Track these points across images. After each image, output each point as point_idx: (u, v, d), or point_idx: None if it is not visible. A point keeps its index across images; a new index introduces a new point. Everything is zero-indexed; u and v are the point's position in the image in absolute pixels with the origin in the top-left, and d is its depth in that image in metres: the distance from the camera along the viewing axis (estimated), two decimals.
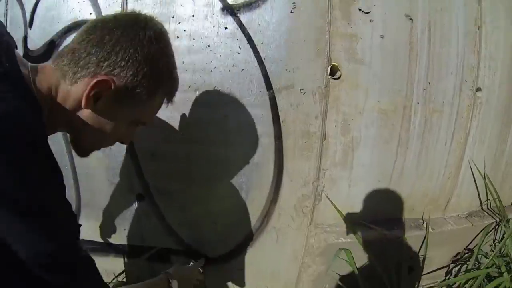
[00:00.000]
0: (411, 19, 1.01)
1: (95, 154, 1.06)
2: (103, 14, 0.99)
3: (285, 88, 0.95)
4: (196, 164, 1.00)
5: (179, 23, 0.94)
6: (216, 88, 0.95)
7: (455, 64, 1.08)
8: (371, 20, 0.97)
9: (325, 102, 0.97)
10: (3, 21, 1.20)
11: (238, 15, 0.93)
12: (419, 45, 1.01)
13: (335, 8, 0.94)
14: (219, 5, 0.94)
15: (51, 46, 1.05)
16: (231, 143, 0.97)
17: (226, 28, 0.93)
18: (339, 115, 0.99)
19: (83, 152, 0.70)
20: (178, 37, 0.93)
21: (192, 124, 0.97)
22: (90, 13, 0.99)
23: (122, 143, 0.72)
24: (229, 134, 0.97)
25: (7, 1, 1.19)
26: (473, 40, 1.07)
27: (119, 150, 1.03)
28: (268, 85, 0.94)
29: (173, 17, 0.94)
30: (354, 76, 0.97)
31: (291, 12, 0.93)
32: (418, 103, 1.07)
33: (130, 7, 0.96)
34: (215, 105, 0.96)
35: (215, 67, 0.93)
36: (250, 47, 0.94)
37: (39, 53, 1.09)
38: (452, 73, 1.07)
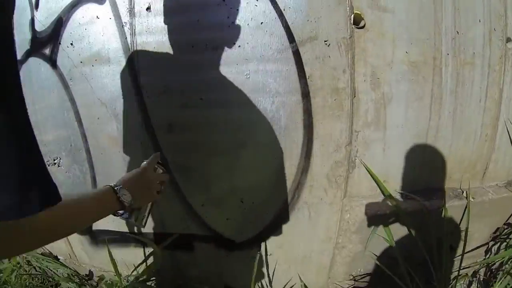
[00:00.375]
0: None
1: (108, 133, 0.96)
2: None
3: (308, 40, 0.84)
4: (217, 132, 0.91)
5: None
6: (234, 44, 0.86)
7: (481, 11, 0.96)
8: None
9: (352, 54, 0.86)
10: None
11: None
12: None
13: None
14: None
15: (59, 24, 0.96)
16: (253, 104, 0.87)
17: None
18: (368, 68, 0.88)
19: None
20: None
21: (212, 87, 0.89)
22: None
23: None
24: (251, 94, 0.88)
25: None
26: None
27: (133, 124, 0.91)
28: (290, 38, 0.85)
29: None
30: (378, 25, 0.88)
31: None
32: (448, 54, 0.96)
33: None
34: (236, 63, 0.87)
35: (232, 22, 0.84)
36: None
37: (47, 34, 1.01)
38: (480, 21, 0.96)
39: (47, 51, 1.04)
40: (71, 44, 0.97)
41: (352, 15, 0.86)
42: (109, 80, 0.93)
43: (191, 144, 0.91)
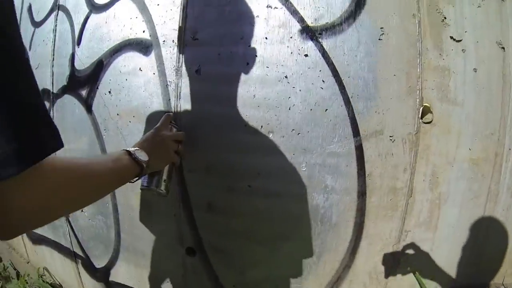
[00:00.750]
0: (503, 48, 0.72)
1: (139, 194, 0.77)
2: (157, 31, 0.67)
3: (374, 134, 0.67)
4: (260, 220, 0.74)
5: (249, 46, 0.61)
6: (294, 131, 0.66)
7: None
8: (463, 50, 0.69)
9: (415, 151, 0.70)
10: (51, 37, 0.92)
11: (320, 40, 0.67)
12: None
13: (426, 35, 0.68)
14: (296, 26, 0.67)
15: (99, 67, 0.77)
16: (306, 199, 0.70)
17: (306, 55, 0.67)
18: (429, 167, 0.72)
19: None
20: (248, 64, 0.60)
21: (262, 174, 0.71)
22: (143, 31, 0.70)
23: None
24: (306, 187, 0.70)
25: (57, 15, 0.91)
26: None
27: (170, 197, 0.71)
28: (355, 130, 0.68)
29: (241, 38, 0.61)
30: (446, 119, 0.70)
31: (379, 39, 0.66)
32: (510, 149, 0.76)
33: (190, 25, 0.64)
34: (293, 152, 0.69)
35: (293, 105, 0.67)
36: (336, 81, 0.67)
37: (86, 74, 0.83)
38: None
39: (83, 92, 0.86)
40: (109, 92, 0.79)
41: (421, 108, 0.69)
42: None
43: (229, 227, 0.75)
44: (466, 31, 0.69)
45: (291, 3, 0.66)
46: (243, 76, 0.66)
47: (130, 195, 0.83)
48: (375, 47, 0.67)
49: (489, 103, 0.71)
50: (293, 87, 0.65)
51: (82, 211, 0.98)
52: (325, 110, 0.65)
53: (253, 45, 0.66)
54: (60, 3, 0.98)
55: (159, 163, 0.58)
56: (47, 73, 1.00)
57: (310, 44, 0.64)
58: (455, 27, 0.69)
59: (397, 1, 0.68)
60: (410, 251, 0.75)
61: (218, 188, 0.72)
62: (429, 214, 0.73)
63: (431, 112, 0.69)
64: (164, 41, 0.72)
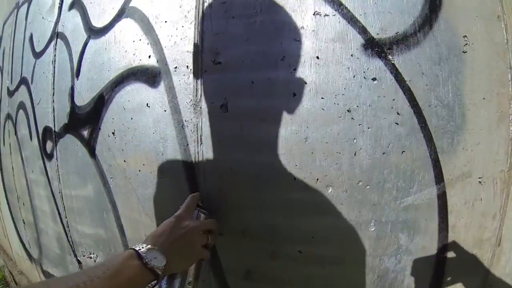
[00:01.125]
0: None
1: None
2: (166, 56, 0.42)
3: (460, 178, 0.43)
4: None
5: (294, 69, 0.36)
6: (360, 183, 0.42)
7: None
8: None
9: (507, 192, 0.44)
10: (51, 69, 0.70)
11: (390, 57, 0.41)
12: None
13: None
14: (358, 39, 0.42)
15: (100, 102, 0.56)
16: (371, 264, 0.45)
17: (374, 79, 0.41)
18: None
19: None
20: (294, 94, 0.35)
21: (317, 237, 0.45)
22: (149, 56, 0.46)
23: None
24: (372, 250, 0.45)
25: (55, 44, 0.70)
26: None
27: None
28: (438, 175, 0.42)
29: (282, 59, 0.36)
30: None
31: (464, 51, 0.41)
32: None
33: (209, 44, 0.38)
34: (357, 209, 0.44)
35: (360, 148, 0.42)
36: (414, 112, 0.41)
37: (86, 112, 0.63)
38: None
39: (85, 133, 0.64)
40: (113, 133, 0.58)
41: None
42: (159, 194, 0.49)
43: None
44: None
45: (346, 8, 0.42)
46: (287, 112, 0.43)
47: None
48: (460, 62, 0.42)
49: None
50: (359, 125, 0.41)
51: (95, 261, 0.76)
52: (402, 153, 0.41)
53: (300, 68, 0.43)
54: (59, 30, 0.77)
55: (182, 264, 0.38)
56: (49, 109, 0.80)
57: (377, 63, 0.40)
58: None
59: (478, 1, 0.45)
60: None
61: (259, 254, 0.49)
62: None
63: None
64: (175, 67, 0.51)
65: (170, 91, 0.49)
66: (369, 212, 0.44)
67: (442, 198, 0.44)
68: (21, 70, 0.94)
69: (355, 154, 0.42)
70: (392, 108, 0.42)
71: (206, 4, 0.48)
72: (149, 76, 0.52)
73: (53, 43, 0.79)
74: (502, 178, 0.46)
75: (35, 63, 0.86)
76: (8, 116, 1.05)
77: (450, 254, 0.51)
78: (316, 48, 0.42)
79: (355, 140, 0.41)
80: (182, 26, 0.49)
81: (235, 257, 0.51)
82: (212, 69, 0.47)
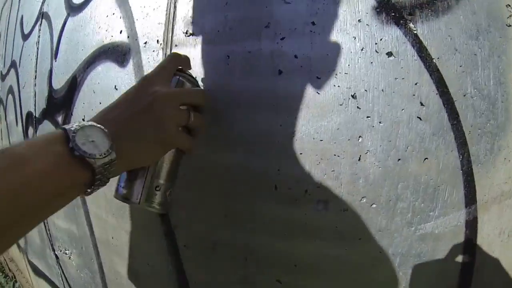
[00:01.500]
0: None
1: (126, 261, 0.48)
2: (137, 29, 0.35)
3: (498, 198, 0.30)
4: None
5: (282, 39, 0.27)
6: (364, 201, 0.31)
7: None
8: None
9: None
10: (35, 52, 0.66)
11: (412, 25, 0.29)
12: None
13: None
14: (369, 0, 0.31)
15: (72, 85, 0.51)
16: None
17: (389, 54, 0.29)
18: None
19: None
20: (281, 72, 0.26)
21: (301, 267, 0.34)
22: (121, 31, 0.39)
23: None
24: (357, 276, 0.36)
25: (40, 25, 0.65)
26: None
27: (161, 271, 0.40)
28: (470, 194, 0.29)
29: (267, 26, 0.28)
30: None
31: (508, 24, 0.29)
32: None
33: (182, 14, 0.30)
34: (358, 235, 0.32)
35: (367, 152, 0.31)
36: (443, 103, 0.29)
37: (61, 96, 0.59)
38: None
39: (59, 119, 0.56)
40: (83, 119, 0.49)
41: None
42: None
43: None
44: None
45: None
46: (269, 96, 0.34)
47: (114, 259, 0.54)
48: (503, 37, 0.31)
49: None
50: (368, 117, 0.30)
51: (69, 258, 0.72)
52: (424, 160, 0.30)
53: (288, 37, 0.33)
54: (44, 10, 0.73)
55: (144, 153, 0.24)
56: (31, 93, 0.76)
57: (394, 32, 0.30)
58: None
59: None
60: None
61: (230, 276, 0.39)
62: None
63: None
64: (145, 42, 0.43)
65: (139, 70, 0.42)
66: (373, 239, 0.34)
67: (471, 225, 0.32)
68: (12, 53, 0.91)
69: (359, 159, 0.31)
70: (414, 95, 0.30)
71: None
72: (119, 54, 0.45)
73: (38, 23, 0.75)
74: None
75: (23, 46, 0.83)
76: (0, 101, 1.02)
77: None
78: (311, 10, 0.31)
79: (360, 139, 0.31)
80: None
81: (203, 276, 0.41)
82: (184, 43, 0.38)
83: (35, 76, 0.73)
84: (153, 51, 0.42)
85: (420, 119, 0.31)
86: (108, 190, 0.46)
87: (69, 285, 0.82)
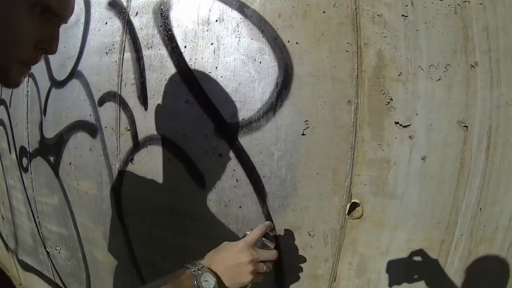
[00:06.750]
0: (466, 127, 0.72)
1: (101, 250, 0.98)
2: (101, 120, 0.83)
3: (289, 231, 0.76)
4: None
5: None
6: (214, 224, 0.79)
7: None
8: (410, 137, 0.70)
9: (339, 244, 0.77)
10: (25, 101, 1.14)
11: (236, 138, 0.74)
12: (474, 161, 0.73)
13: (363, 125, 0.69)
14: (212, 124, 0.75)
15: (60, 140, 0.99)
16: None
17: (220, 155, 0.75)
18: (355, 258, 0.78)
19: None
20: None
21: (188, 251, 0.85)
22: (90, 114, 0.86)
23: (46, 51, 0.44)
24: None
25: (28, 82, 1.11)
26: None
27: (121, 255, 0.95)
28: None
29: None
30: (380, 214, 0.74)
31: (303, 134, 0.70)
32: (462, 235, 0.79)
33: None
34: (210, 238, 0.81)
35: (210, 200, 0.78)
36: (250, 182, 0.74)
37: (51, 144, 1.07)
38: None
39: (51, 158, 1.06)
40: (70, 164, 0.98)
41: (348, 205, 0.72)
42: (95, 208, 0.96)
43: None
44: (418, 113, 0.67)
45: (208, 99, 0.75)
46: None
47: (93, 249, 1.06)
48: (296, 143, 0.69)
49: (439, 192, 0.71)
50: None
51: (59, 252, 1.24)
52: (239, 207, 0.75)
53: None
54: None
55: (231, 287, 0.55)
56: (24, 133, 1.24)
57: (224, 143, 0.74)
58: (403, 110, 0.67)
59: (330, 86, 0.67)
60: None
61: (159, 254, 0.90)
62: None
63: (361, 207, 0.71)
64: (105, 127, 0.90)
65: (103, 143, 0.91)
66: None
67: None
68: (0, 92, 1.40)
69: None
70: (232, 176, 0.74)
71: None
72: (90, 129, 0.93)
73: (26, 78, 1.26)
74: (334, 234, 0.72)
75: (12, 90, 1.29)
76: None
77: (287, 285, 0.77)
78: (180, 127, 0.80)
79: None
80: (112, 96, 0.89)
81: (145, 254, 0.90)
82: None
83: (27, 122, 1.20)
84: (110, 134, 0.90)
85: (235, 187, 0.75)
86: (88, 208, 0.97)
87: (58, 274, 1.34)
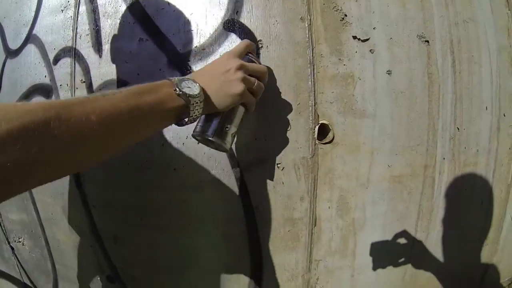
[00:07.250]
0: (427, 41, 0.72)
1: (62, 229, 0.91)
2: (56, 77, 0.79)
3: (255, 164, 0.70)
4: (160, 252, 0.83)
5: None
6: (173, 168, 0.75)
7: (489, 94, 0.78)
8: (371, 51, 0.69)
9: (313, 177, 0.70)
10: None
11: (190, 67, 0.70)
12: (441, 75, 0.72)
13: (320, 40, 0.68)
14: (164, 59, 0.72)
15: None
16: (196, 232, 0.78)
17: None
18: (334, 192, 0.73)
19: None
20: None
21: (152, 208, 0.80)
22: (45, 76, 0.82)
23: None
24: (193, 221, 0.78)
25: None
26: (509, 59, 0.78)
27: (82, 228, 0.90)
28: (233, 161, 0.71)
29: None
30: (352, 136, 0.71)
31: (257, 53, 0.68)
32: (444, 158, 0.77)
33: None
34: (175, 188, 0.77)
35: (166, 140, 0.75)
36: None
37: None
38: (486, 108, 0.78)
39: None
40: None
41: (317, 127, 0.68)
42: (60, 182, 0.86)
43: (135, 258, 0.86)
44: (375, 27, 0.67)
45: (161, 32, 0.72)
46: None
47: (55, 230, 0.97)
48: None
49: (412, 109, 0.70)
50: None
51: (23, 244, 1.16)
52: (197, 143, 0.68)
53: None
54: None
55: (220, 101, 0.46)
56: None
57: (177, 73, 0.69)
58: (360, 25, 0.67)
59: (280, 5, 0.66)
60: (325, 279, 0.76)
61: (118, 222, 0.84)
62: (342, 242, 0.74)
63: (331, 130, 0.67)
64: (60, 85, 0.85)
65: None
66: (182, 190, 0.74)
67: (240, 180, 0.68)
68: None
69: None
70: None
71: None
72: (45, 91, 0.88)
73: None
74: (306, 164, 0.67)
75: None
76: None
77: (261, 231, 0.70)
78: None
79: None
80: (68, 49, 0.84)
81: (105, 225, 0.83)
82: (82, 87, 0.82)
83: None
84: (65, 91, 0.86)
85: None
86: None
87: (24, 270, 1.24)
